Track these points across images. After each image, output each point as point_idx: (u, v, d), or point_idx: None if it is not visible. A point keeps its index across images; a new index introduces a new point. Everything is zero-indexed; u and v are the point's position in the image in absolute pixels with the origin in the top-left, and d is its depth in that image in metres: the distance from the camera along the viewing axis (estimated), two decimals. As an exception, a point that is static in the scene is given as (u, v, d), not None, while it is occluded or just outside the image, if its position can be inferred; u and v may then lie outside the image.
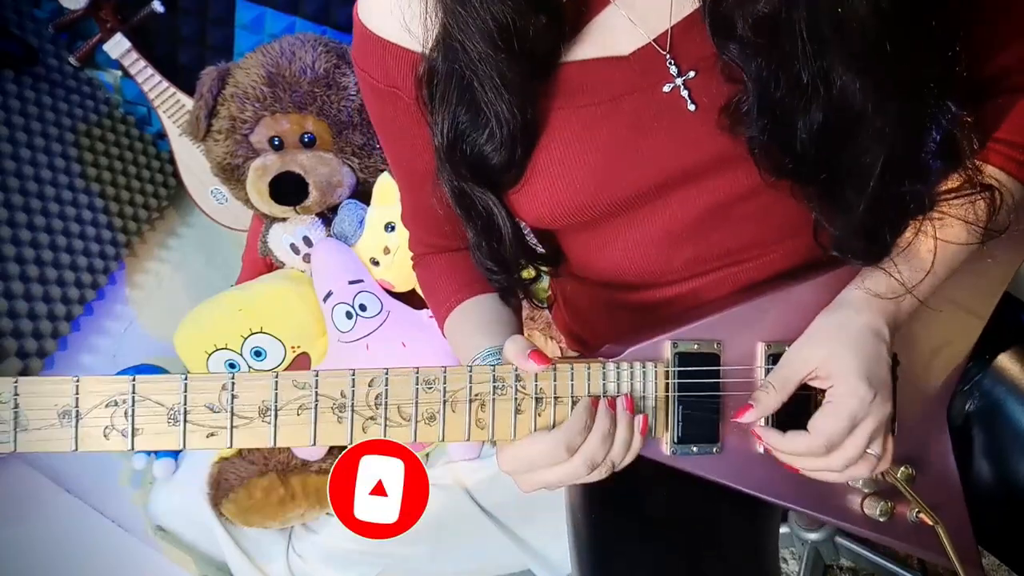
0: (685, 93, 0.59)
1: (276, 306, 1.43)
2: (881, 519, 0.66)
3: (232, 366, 1.41)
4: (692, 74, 0.59)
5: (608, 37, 0.59)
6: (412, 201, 0.78)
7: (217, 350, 1.40)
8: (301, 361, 1.44)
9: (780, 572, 0.77)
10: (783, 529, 1.11)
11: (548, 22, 0.55)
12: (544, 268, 0.76)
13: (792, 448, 0.61)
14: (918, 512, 0.66)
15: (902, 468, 0.67)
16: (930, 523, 0.65)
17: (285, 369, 1.43)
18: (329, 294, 1.41)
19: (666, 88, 0.59)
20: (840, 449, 0.60)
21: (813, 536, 1.30)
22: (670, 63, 0.59)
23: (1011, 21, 0.60)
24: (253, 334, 1.40)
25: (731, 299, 0.67)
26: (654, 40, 0.58)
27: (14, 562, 1.33)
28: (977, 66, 0.62)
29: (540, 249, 0.78)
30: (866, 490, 0.67)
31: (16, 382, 0.51)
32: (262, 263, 1.61)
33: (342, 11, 1.73)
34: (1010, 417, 0.71)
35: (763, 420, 0.63)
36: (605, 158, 0.61)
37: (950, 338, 0.70)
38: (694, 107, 0.59)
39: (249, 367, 1.42)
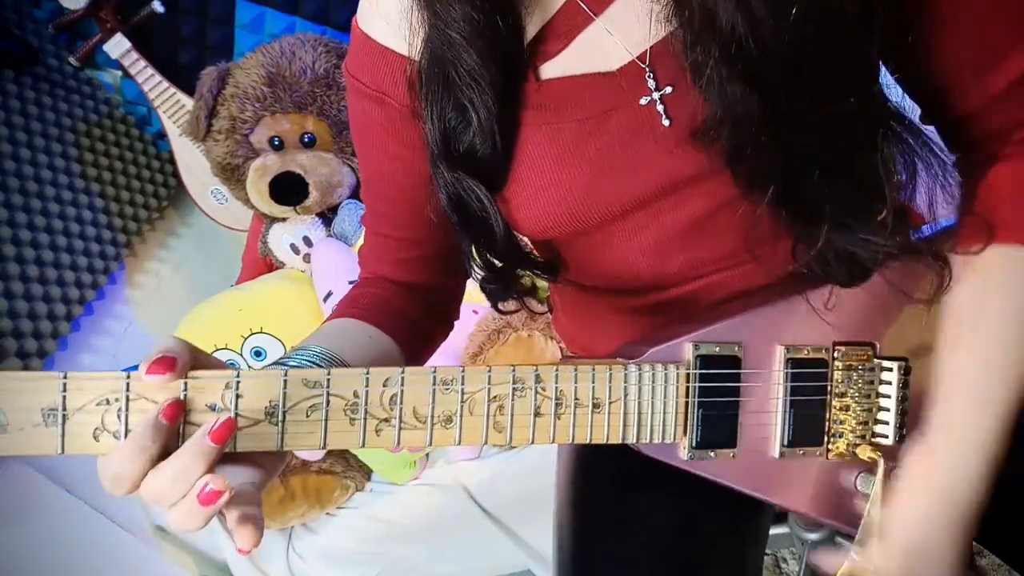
0: (660, 108, 0.61)
1: (276, 306, 1.43)
2: None
3: (232, 366, 1.41)
4: (669, 89, 0.60)
5: (594, 53, 0.61)
6: (371, 223, 0.77)
7: (217, 350, 1.40)
8: (301, 361, 1.44)
9: None
10: (783, 529, 1.11)
11: (512, 24, 0.59)
12: (542, 276, 0.76)
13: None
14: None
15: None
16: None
17: (285, 369, 1.43)
18: (329, 294, 1.41)
19: (643, 101, 0.61)
20: None
21: (813, 536, 1.29)
22: (649, 77, 0.60)
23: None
24: (253, 334, 1.40)
25: (750, 300, 0.66)
26: (636, 57, 0.60)
27: (14, 562, 1.33)
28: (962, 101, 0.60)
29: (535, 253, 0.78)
30: None
31: None
32: (262, 263, 1.61)
33: (342, 11, 1.73)
34: None
35: (777, 431, 0.63)
36: (593, 171, 0.63)
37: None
38: (668, 122, 0.61)
39: (249, 367, 1.42)
